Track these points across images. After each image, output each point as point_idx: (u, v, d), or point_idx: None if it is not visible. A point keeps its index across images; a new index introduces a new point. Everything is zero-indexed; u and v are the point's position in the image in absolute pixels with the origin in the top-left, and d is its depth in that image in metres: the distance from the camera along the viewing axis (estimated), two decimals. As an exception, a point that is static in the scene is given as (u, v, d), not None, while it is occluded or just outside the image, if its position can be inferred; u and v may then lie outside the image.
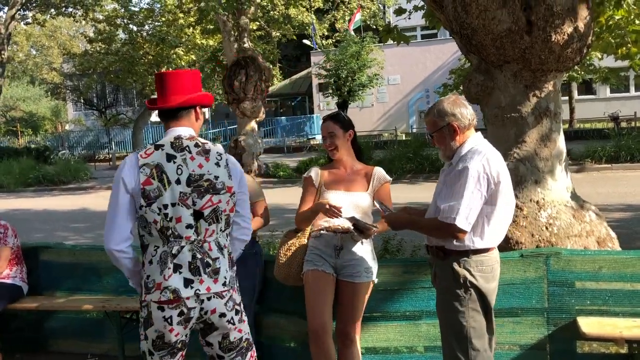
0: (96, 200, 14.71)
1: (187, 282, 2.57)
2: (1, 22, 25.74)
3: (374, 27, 27.01)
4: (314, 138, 29.17)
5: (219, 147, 2.77)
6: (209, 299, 2.61)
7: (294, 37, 25.10)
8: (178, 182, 2.57)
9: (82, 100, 36.71)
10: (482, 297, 2.77)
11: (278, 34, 24.57)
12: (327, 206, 3.24)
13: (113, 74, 27.05)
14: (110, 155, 26.71)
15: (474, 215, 2.70)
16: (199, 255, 2.60)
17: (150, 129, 31.40)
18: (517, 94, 4.66)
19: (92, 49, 27.86)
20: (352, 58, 24.94)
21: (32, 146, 29.13)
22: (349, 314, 3.42)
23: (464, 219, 2.66)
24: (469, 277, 2.75)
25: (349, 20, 25.51)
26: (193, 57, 25.95)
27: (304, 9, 22.82)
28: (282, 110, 36.23)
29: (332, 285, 3.39)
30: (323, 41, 27.36)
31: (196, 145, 2.67)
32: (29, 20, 27.82)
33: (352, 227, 3.26)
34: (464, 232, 2.69)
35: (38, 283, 4.98)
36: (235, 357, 2.78)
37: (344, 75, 25.29)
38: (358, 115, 25.80)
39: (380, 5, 30.06)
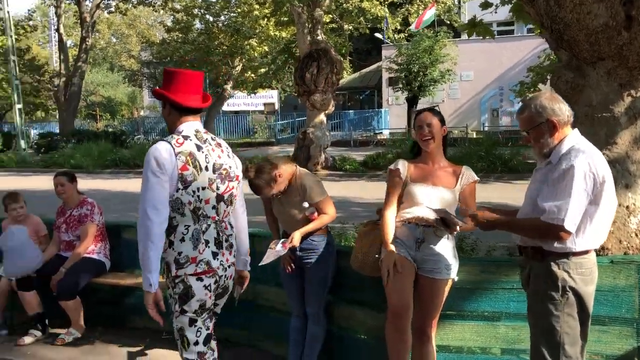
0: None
1: (214, 255, 2.95)
2: (87, 10, 27.02)
3: (448, 22, 26.47)
4: (381, 133, 28.98)
5: (223, 141, 3.13)
6: (229, 267, 3.05)
7: (367, 31, 24.97)
8: (207, 169, 2.90)
9: (158, 88, 37.98)
10: (580, 301, 2.65)
11: (350, 27, 24.51)
12: (390, 266, 3.28)
13: (188, 63, 27.77)
14: (183, 142, 27.47)
15: (580, 216, 2.59)
16: (220, 233, 2.99)
17: (222, 118, 32.09)
18: (610, 93, 4.43)
19: (170, 38, 28.80)
20: (424, 53, 24.58)
21: (110, 130, 30.45)
22: (427, 310, 3.37)
23: (571, 220, 2.56)
24: (568, 280, 2.63)
25: (419, 17, 25.06)
26: (266, 48, 26.33)
27: (378, 2, 22.65)
28: (350, 104, 36.19)
29: (412, 273, 3.34)
30: (395, 35, 27.07)
31: (212, 139, 3.03)
32: (112, 9, 29.08)
33: (439, 220, 3.19)
34: (570, 233, 2.58)
35: (120, 260, 5.19)
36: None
37: (415, 70, 24.96)
38: (428, 111, 25.38)
39: (455, 0, 29.42)
